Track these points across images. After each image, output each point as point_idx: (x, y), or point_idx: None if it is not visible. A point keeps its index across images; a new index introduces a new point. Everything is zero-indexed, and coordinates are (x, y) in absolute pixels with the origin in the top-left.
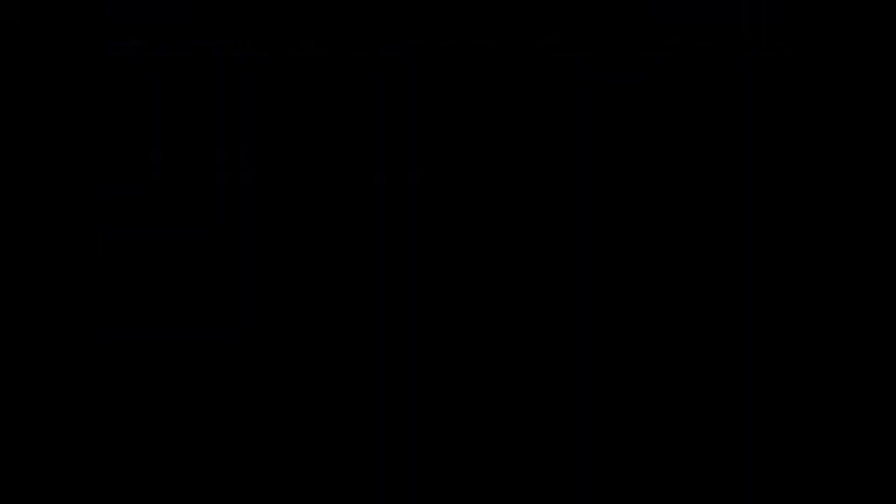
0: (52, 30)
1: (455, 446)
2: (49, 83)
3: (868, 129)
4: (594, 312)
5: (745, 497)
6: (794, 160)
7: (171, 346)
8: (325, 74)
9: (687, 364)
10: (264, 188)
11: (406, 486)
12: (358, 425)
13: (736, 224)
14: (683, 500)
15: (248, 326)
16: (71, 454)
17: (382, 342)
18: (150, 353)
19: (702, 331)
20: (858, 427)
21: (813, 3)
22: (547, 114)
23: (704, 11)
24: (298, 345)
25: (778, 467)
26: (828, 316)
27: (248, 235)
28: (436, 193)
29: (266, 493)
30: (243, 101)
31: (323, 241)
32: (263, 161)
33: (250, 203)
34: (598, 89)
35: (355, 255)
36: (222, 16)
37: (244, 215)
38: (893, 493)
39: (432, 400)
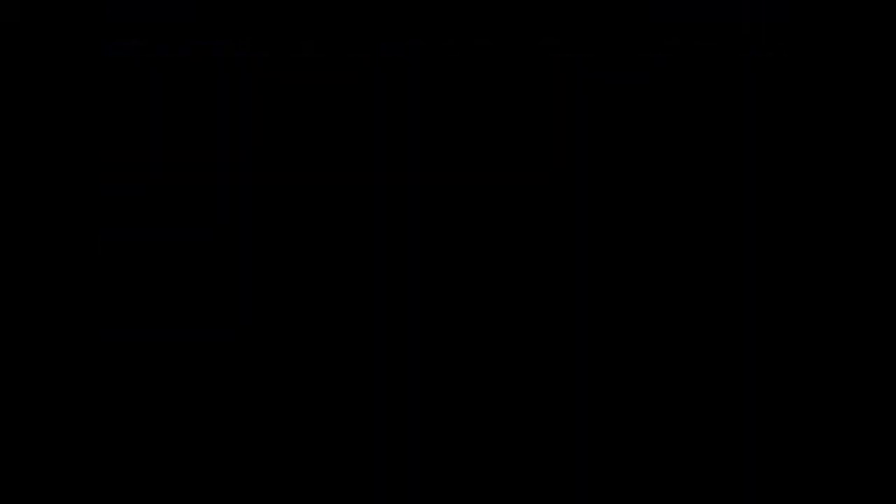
0: (52, 30)
1: (455, 446)
2: (49, 83)
3: (868, 129)
4: (594, 312)
5: (745, 497)
6: (793, 160)
7: (171, 346)
8: (325, 74)
9: (687, 364)
10: (264, 188)
11: (406, 486)
12: (358, 425)
13: (736, 224)
14: (683, 500)
15: (248, 326)
16: (71, 454)
17: (382, 342)
18: (150, 353)
19: (702, 330)
20: (858, 427)
21: (813, 3)
22: (547, 114)
23: (704, 11)
24: (298, 345)
25: (778, 467)
26: (828, 315)
27: (248, 235)
28: (436, 193)
29: (266, 493)
30: (243, 101)
31: (323, 241)
32: (263, 161)
33: (250, 203)
34: (598, 89)
35: (355, 255)
36: (222, 16)
37: (244, 215)
38: (894, 493)
39: (432, 400)
